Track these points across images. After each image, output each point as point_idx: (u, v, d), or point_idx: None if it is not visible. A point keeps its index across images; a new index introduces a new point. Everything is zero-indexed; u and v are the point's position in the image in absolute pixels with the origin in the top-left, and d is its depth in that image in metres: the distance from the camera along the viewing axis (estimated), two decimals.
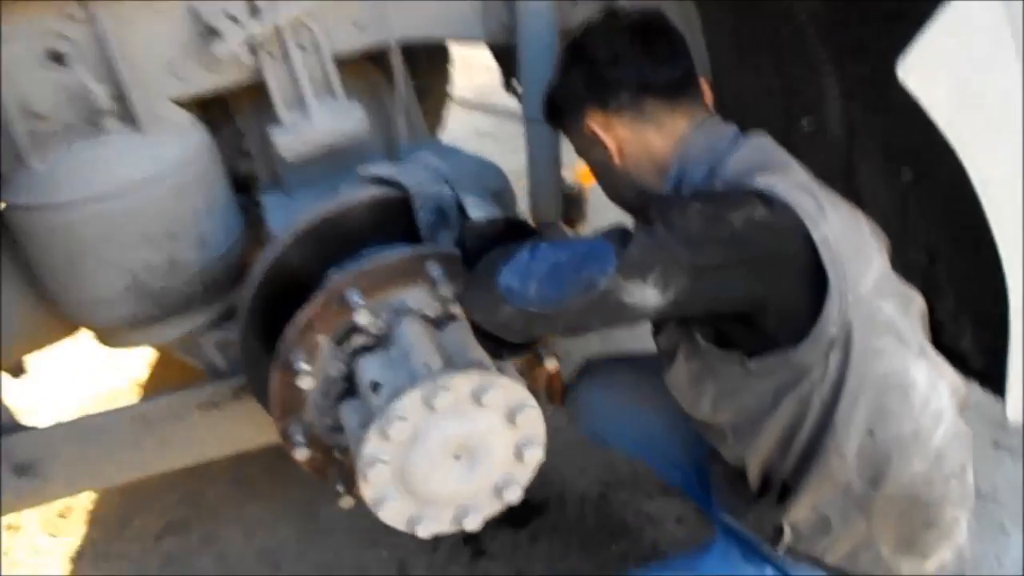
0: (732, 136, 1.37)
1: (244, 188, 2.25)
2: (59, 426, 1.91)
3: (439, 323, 1.46)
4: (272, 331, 1.56)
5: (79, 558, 2.39)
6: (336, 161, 2.00)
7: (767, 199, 1.19)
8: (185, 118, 1.84)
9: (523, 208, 2.24)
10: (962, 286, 1.43)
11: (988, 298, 1.39)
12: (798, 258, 1.19)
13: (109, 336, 1.92)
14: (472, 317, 1.33)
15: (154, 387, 3.12)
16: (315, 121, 1.84)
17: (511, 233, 1.39)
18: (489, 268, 1.26)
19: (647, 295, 1.14)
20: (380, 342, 1.43)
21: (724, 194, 1.24)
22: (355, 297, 1.36)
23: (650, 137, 1.40)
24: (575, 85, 1.45)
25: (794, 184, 1.25)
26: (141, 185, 1.68)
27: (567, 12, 2.04)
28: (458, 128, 5.44)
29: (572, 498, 2.29)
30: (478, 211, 1.52)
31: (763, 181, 1.23)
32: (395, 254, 1.42)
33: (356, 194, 1.54)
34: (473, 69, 5.16)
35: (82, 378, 3.18)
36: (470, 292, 1.32)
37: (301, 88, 1.84)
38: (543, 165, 2.14)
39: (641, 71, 1.39)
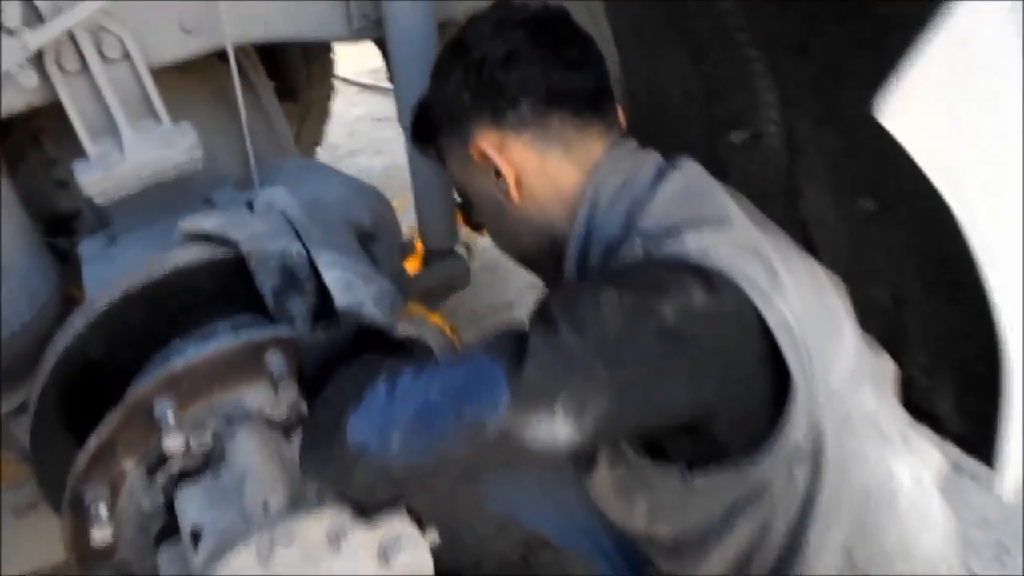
0: (654, 170, 1.06)
1: (66, 227, 1.85)
2: None
3: (288, 428, 1.12)
4: (78, 430, 1.20)
5: None
6: (176, 192, 1.62)
7: (705, 274, 0.88)
8: None
9: (409, 232, 1.91)
10: (936, 336, 1.17)
11: (968, 351, 1.14)
12: (751, 350, 0.89)
13: None
14: (319, 484, 0.99)
15: None
16: (130, 152, 1.45)
17: (367, 341, 1.03)
18: (333, 415, 0.92)
19: (557, 430, 0.83)
20: (209, 462, 1.08)
21: (647, 271, 0.92)
22: (165, 412, 1.01)
23: (556, 163, 1.09)
24: (458, 92, 1.12)
25: (736, 244, 0.94)
26: None
27: (445, 2, 1.70)
28: (353, 113, 5.03)
29: (490, 563, 1.99)
30: (333, 271, 1.18)
31: (696, 243, 0.92)
32: (219, 346, 1.07)
33: (168, 259, 1.18)
34: (368, 48, 4.74)
35: None
36: (311, 452, 0.97)
37: (110, 111, 1.45)
38: (430, 179, 1.80)
39: (547, 74, 1.08)
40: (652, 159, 1.09)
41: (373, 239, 1.58)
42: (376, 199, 1.69)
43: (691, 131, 1.40)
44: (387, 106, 5.00)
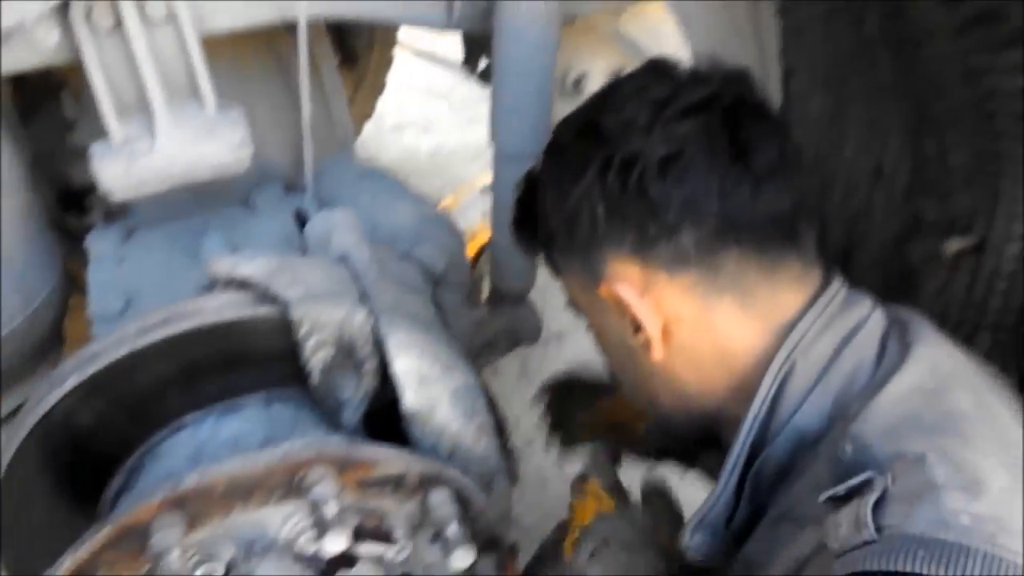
0: (878, 341, 0.75)
1: (79, 203, 1.56)
2: None
3: (324, 571, 0.84)
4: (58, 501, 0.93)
5: None
6: (211, 186, 1.33)
7: None
8: None
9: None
10: None
11: None
12: None
13: None
14: None
15: None
16: (162, 142, 1.16)
17: None
18: None
19: None
20: None
21: None
22: (167, 548, 0.73)
23: (727, 318, 0.77)
24: (588, 202, 0.77)
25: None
26: None
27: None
28: (407, 84, 4.70)
29: None
30: (405, 358, 0.90)
31: (970, 523, 0.56)
32: (247, 459, 0.79)
33: (191, 312, 0.89)
34: None
35: None
36: None
37: (144, 85, 1.15)
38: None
39: (726, 192, 0.74)
40: (875, 322, 0.76)
41: (441, 285, 1.29)
42: (449, 231, 1.39)
43: (873, 227, 1.09)
44: (443, 80, 4.66)
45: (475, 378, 0.98)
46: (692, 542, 0.82)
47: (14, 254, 1.21)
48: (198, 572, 0.79)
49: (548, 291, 2.17)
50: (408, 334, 0.92)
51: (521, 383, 2.43)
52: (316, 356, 0.92)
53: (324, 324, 0.91)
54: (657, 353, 0.79)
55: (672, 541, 1.09)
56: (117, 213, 1.45)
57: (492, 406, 1.05)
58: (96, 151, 1.15)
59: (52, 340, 1.33)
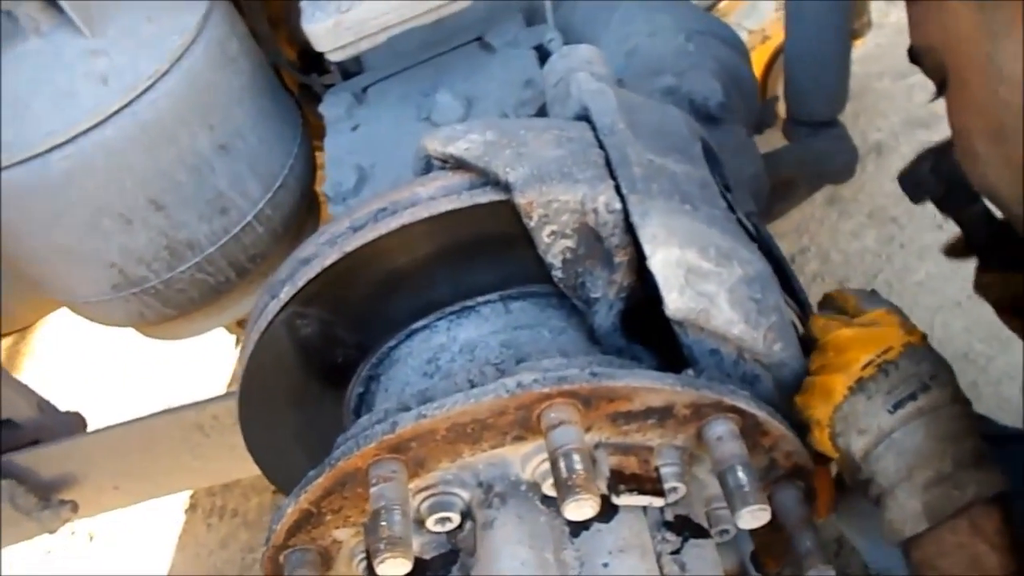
0: None
1: (319, 63, 1.47)
2: (96, 435, 1.41)
3: (578, 522, 0.68)
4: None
5: (190, 512, 2.02)
6: (441, 28, 1.15)
7: None
8: None
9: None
10: None
11: None
12: None
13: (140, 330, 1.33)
14: None
15: None
16: None
17: None
18: None
19: None
20: (456, 549, 0.69)
21: None
22: (381, 492, 0.61)
23: None
24: None
25: None
26: (77, 134, 0.98)
27: None
28: None
29: None
30: (665, 249, 0.68)
31: None
32: (468, 398, 0.63)
33: (394, 208, 0.73)
34: None
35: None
36: None
37: None
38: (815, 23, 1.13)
39: None
40: None
41: (717, 123, 1.01)
42: (727, 46, 1.09)
43: None
44: None
45: (762, 263, 0.73)
46: None
47: (247, 139, 1.14)
48: (432, 518, 0.68)
49: (865, 96, 1.76)
50: (667, 217, 0.69)
51: (829, 212, 2.05)
52: (554, 248, 0.73)
53: (559, 209, 0.70)
54: None
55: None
56: (354, 71, 1.33)
57: (791, 288, 0.80)
58: (306, 7, 1.01)
59: (304, 209, 1.28)
